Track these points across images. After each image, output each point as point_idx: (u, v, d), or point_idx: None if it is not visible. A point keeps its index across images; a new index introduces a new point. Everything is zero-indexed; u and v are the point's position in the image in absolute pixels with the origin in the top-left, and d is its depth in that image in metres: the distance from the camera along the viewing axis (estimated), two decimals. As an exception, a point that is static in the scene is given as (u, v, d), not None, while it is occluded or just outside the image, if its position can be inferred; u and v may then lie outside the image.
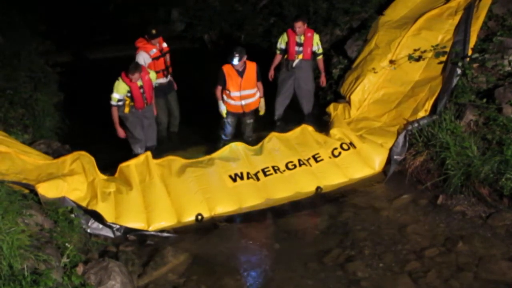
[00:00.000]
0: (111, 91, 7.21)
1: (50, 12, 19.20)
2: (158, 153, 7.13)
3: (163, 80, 8.21)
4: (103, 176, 6.39)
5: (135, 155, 7.09)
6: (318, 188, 6.67)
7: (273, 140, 7.19)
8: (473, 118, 6.64)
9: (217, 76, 7.54)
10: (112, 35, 16.38)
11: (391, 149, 6.96)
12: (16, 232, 4.38)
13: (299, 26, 8.26)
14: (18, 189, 5.42)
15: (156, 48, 8.09)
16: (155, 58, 8.07)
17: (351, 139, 7.18)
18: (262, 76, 7.79)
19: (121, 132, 7.44)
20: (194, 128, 8.32)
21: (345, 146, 7.13)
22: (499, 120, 6.32)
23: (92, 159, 6.51)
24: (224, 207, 6.30)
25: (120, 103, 7.27)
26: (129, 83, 7.18)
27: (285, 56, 8.65)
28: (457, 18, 8.06)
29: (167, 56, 8.29)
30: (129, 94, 7.24)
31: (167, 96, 8.35)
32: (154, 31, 8.01)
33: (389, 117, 7.57)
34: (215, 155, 6.92)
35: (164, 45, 8.25)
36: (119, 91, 7.20)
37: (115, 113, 7.34)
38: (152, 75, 7.55)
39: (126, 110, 7.35)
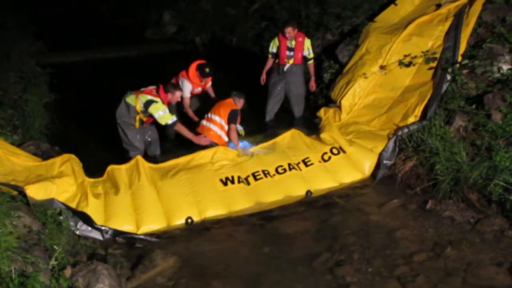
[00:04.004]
0: (158, 115, 7.15)
1: (41, 13, 19.16)
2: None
3: None
4: (91, 180, 6.36)
5: (130, 158, 7.01)
6: (308, 192, 6.68)
7: (263, 144, 7.24)
8: (463, 124, 6.67)
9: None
10: (104, 36, 16.38)
11: (381, 154, 6.98)
12: (4, 234, 4.35)
13: (289, 31, 8.33)
14: (7, 191, 5.38)
15: (202, 87, 8.19)
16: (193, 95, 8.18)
17: (340, 144, 7.20)
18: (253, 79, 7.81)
19: (203, 140, 7.32)
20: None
21: (335, 151, 7.15)
22: (488, 126, 6.36)
23: (80, 163, 6.50)
24: (214, 211, 6.29)
25: (175, 118, 7.21)
26: (166, 102, 7.19)
27: (276, 60, 8.69)
28: (447, 25, 8.11)
29: None
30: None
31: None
32: (207, 70, 8.02)
33: (379, 122, 7.59)
34: (207, 156, 6.93)
35: (208, 84, 8.35)
36: (164, 107, 7.15)
37: (182, 127, 7.26)
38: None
39: (137, 125, 7.31)
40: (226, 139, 7.53)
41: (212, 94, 8.40)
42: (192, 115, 8.20)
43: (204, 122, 7.69)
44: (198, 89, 8.21)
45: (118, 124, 7.39)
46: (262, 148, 7.26)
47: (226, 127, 7.52)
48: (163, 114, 7.14)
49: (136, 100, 7.18)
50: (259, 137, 7.65)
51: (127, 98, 7.27)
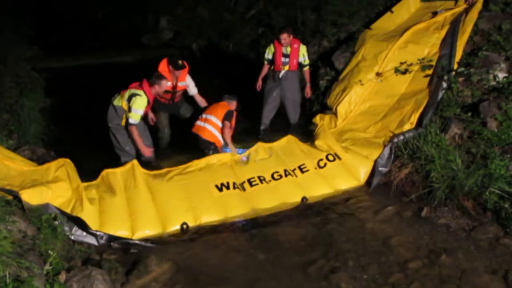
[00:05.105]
0: (129, 109, 7.08)
1: (38, 18, 19.16)
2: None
3: (165, 103, 8.25)
4: (85, 184, 6.35)
5: (122, 164, 6.96)
6: (303, 198, 6.68)
7: (259, 150, 7.23)
8: (458, 132, 6.69)
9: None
10: (101, 42, 16.38)
11: (376, 161, 6.99)
12: (-1, 238, 4.34)
13: (284, 38, 8.35)
14: (2, 195, 5.36)
15: (172, 82, 8.01)
16: (165, 91, 8.02)
17: (336, 151, 7.21)
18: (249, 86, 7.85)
19: (147, 150, 7.22)
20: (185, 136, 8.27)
21: (330, 157, 7.16)
22: (483, 134, 6.38)
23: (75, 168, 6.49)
24: (209, 217, 6.28)
25: (137, 122, 7.13)
26: (151, 97, 7.15)
27: (272, 67, 8.71)
28: (443, 32, 8.14)
29: (179, 93, 8.22)
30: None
31: (169, 113, 8.41)
32: (180, 62, 7.91)
33: (375, 129, 7.60)
34: (201, 163, 6.94)
35: (181, 83, 8.11)
36: (143, 107, 7.10)
37: (135, 133, 7.15)
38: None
39: (123, 122, 7.25)
40: (222, 140, 7.60)
41: (203, 104, 8.23)
42: (152, 116, 8.14)
43: (199, 122, 7.72)
44: (168, 84, 7.94)
45: (109, 129, 7.38)
46: (256, 152, 7.26)
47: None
48: (136, 112, 7.07)
49: (122, 99, 7.19)
50: (255, 144, 7.63)
51: (114, 101, 7.29)
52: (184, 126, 8.06)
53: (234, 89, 8.65)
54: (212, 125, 7.58)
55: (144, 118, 7.63)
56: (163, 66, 7.93)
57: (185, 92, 8.32)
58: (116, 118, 7.25)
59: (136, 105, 7.06)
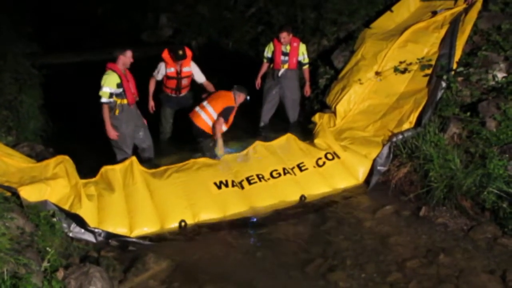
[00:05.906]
0: (98, 89, 7.00)
1: (37, 15, 19.13)
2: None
3: (172, 94, 8.31)
4: (83, 181, 6.34)
5: (119, 162, 6.97)
6: (302, 197, 6.68)
7: (258, 148, 7.23)
8: (457, 131, 6.69)
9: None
10: (100, 39, 16.36)
11: (375, 160, 6.99)
12: (-3, 235, 4.34)
13: (284, 36, 8.35)
14: (0, 192, 5.36)
15: (176, 68, 8.08)
16: (169, 78, 8.16)
17: (335, 149, 7.21)
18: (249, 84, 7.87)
19: (112, 133, 7.12)
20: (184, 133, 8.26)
21: (329, 156, 7.16)
22: (482, 133, 6.38)
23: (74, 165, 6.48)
24: (208, 214, 6.29)
25: (111, 99, 7.02)
26: (120, 72, 7.04)
27: (271, 65, 8.70)
28: (443, 32, 8.15)
29: (184, 80, 8.26)
30: (119, 90, 7.04)
31: (175, 108, 8.47)
32: (180, 52, 7.96)
33: (374, 128, 7.61)
34: (200, 161, 6.94)
35: (186, 69, 8.15)
36: (110, 84, 6.98)
37: (106, 111, 7.04)
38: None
39: (117, 112, 7.15)
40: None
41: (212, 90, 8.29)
42: (150, 96, 8.26)
43: (197, 108, 7.85)
44: (171, 70, 8.08)
45: None
46: (255, 150, 7.26)
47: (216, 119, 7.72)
48: (103, 90, 6.98)
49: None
50: (253, 142, 7.64)
51: None
52: (187, 122, 8.06)
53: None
54: (206, 114, 7.71)
55: (145, 117, 7.61)
56: (165, 54, 8.07)
57: (193, 85, 8.37)
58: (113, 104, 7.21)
59: (103, 82, 6.97)
